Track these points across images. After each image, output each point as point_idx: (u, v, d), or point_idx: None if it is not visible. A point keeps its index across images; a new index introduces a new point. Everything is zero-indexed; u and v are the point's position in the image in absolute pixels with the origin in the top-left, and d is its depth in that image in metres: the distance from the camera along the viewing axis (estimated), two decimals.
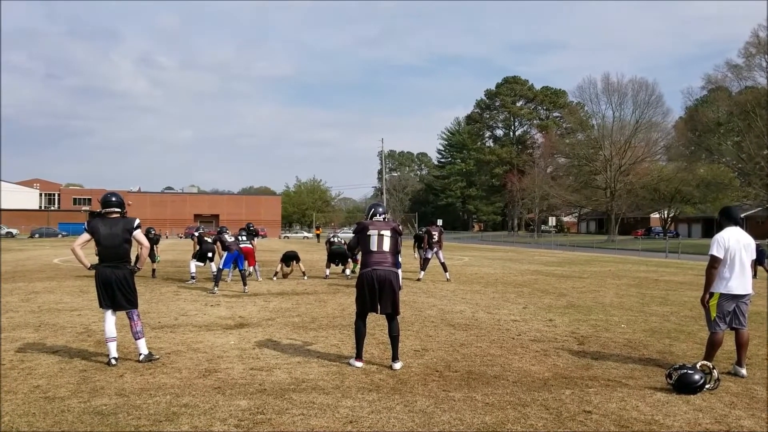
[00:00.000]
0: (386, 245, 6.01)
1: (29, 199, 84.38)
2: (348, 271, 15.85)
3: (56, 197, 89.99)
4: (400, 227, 6.32)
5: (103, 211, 6.19)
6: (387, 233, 6.05)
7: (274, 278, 15.20)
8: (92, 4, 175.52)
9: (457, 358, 6.47)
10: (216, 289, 12.28)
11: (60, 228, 66.41)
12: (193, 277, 14.45)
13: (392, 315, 6.00)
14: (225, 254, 12.90)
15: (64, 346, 6.93)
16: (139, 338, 6.16)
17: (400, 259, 6.30)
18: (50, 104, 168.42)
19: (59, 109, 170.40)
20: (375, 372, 5.81)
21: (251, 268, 14.71)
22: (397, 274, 6.07)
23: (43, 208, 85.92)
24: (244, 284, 12.56)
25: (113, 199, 6.23)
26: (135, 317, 6.18)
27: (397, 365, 5.95)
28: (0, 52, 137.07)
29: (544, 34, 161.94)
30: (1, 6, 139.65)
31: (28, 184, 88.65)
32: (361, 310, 6.09)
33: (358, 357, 6.06)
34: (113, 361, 5.95)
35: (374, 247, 6.01)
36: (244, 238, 14.05)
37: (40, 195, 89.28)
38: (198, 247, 14.70)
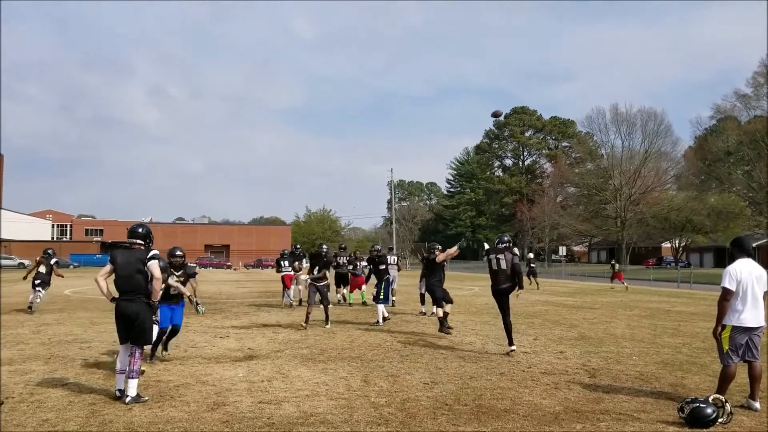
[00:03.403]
0: (503, 264, 8.72)
1: (42, 230, 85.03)
2: (340, 296, 16.02)
3: (68, 228, 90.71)
4: (516, 249, 8.87)
5: (128, 241, 6.22)
6: (502, 256, 8.73)
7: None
8: (104, 34, 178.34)
9: (466, 391, 6.42)
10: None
11: (72, 259, 66.64)
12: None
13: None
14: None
15: (73, 378, 6.94)
16: (133, 378, 5.86)
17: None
18: (63, 135, 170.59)
19: (71, 140, 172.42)
20: (384, 405, 5.77)
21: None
22: (509, 288, 8.75)
23: (55, 239, 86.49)
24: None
25: (139, 230, 6.21)
26: (137, 354, 5.96)
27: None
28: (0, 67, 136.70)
29: (553, 62, 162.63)
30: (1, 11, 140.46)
31: (40, 215, 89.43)
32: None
33: (510, 343, 8.73)
34: (121, 394, 5.94)
35: (495, 267, 8.77)
36: (286, 264, 15.40)
37: (53, 226, 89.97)
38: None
